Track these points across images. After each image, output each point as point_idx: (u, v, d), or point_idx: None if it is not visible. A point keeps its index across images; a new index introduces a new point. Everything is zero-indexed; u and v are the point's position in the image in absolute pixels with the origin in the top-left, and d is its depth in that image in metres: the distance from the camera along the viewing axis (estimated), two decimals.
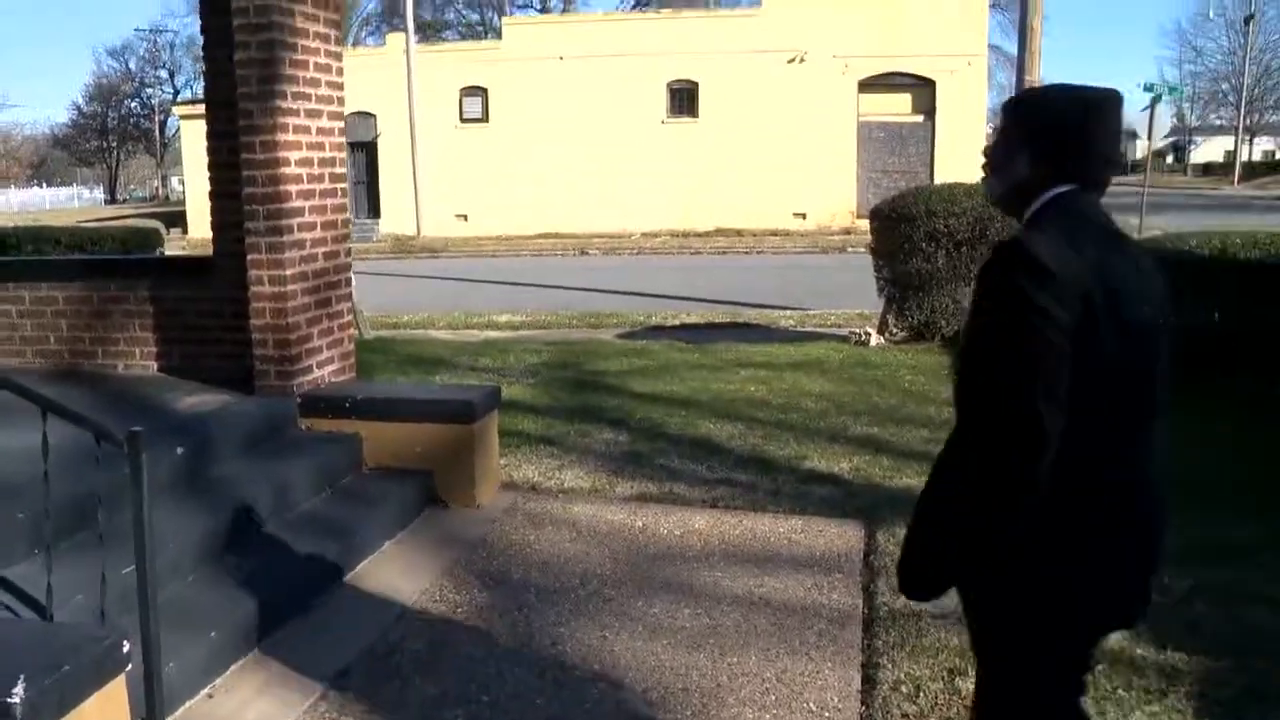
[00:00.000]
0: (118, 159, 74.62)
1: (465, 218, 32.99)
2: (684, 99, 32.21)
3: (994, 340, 2.25)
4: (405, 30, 33.15)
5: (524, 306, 15.43)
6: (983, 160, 2.53)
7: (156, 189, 71.88)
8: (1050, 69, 40.09)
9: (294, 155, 5.87)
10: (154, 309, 6.66)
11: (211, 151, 6.39)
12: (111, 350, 6.82)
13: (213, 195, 6.40)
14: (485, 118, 33.30)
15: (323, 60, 6.20)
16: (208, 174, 6.44)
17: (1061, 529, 2.26)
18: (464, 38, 52.94)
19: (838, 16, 30.66)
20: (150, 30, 69.40)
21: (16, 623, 3.48)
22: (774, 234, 30.00)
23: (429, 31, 51.45)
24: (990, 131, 26.71)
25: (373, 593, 4.74)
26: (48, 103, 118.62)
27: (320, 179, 6.12)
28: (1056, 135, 2.38)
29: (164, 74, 69.94)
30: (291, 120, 5.87)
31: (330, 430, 5.90)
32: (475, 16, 58.27)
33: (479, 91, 33.29)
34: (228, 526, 4.68)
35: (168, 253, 16.40)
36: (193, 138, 34.08)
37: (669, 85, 31.80)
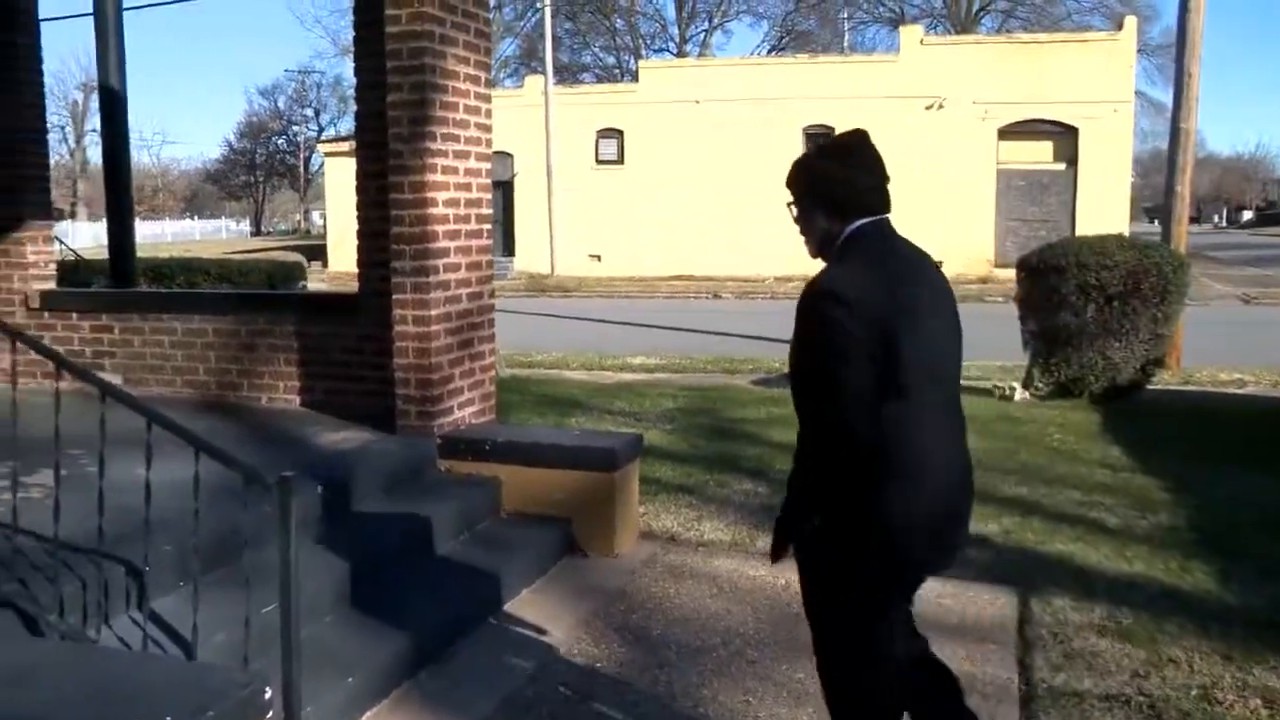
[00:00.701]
0: (263, 193, 77.38)
1: (598, 258, 33.22)
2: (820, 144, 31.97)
3: (810, 351, 2.85)
4: (544, 73, 33.72)
5: (657, 349, 15.36)
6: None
7: (298, 222, 74.30)
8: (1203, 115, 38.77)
9: (441, 196, 5.89)
10: (299, 344, 6.73)
11: (360, 191, 6.45)
12: (257, 384, 6.91)
13: (360, 234, 6.45)
14: (620, 159, 33.56)
15: (472, 102, 6.23)
16: (356, 213, 6.50)
17: (885, 493, 2.79)
18: (600, 80, 53.59)
19: (978, 63, 30.20)
20: (299, 71, 71.96)
21: (163, 662, 3.47)
22: None
23: (566, 74, 52.25)
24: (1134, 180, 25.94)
25: (511, 642, 4.65)
26: (202, 140, 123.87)
27: (466, 219, 6.13)
28: (827, 186, 2.95)
29: (310, 113, 72.36)
30: (440, 161, 5.89)
31: (469, 473, 5.87)
32: (611, 60, 58.92)
33: (615, 134, 33.59)
34: (366, 568, 4.64)
35: (309, 286, 16.79)
36: (335, 174, 35.10)
37: (804, 130, 31.62)
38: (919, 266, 3.00)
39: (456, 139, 6.04)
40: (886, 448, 2.78)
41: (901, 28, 35.57)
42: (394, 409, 5.98)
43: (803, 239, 3.06)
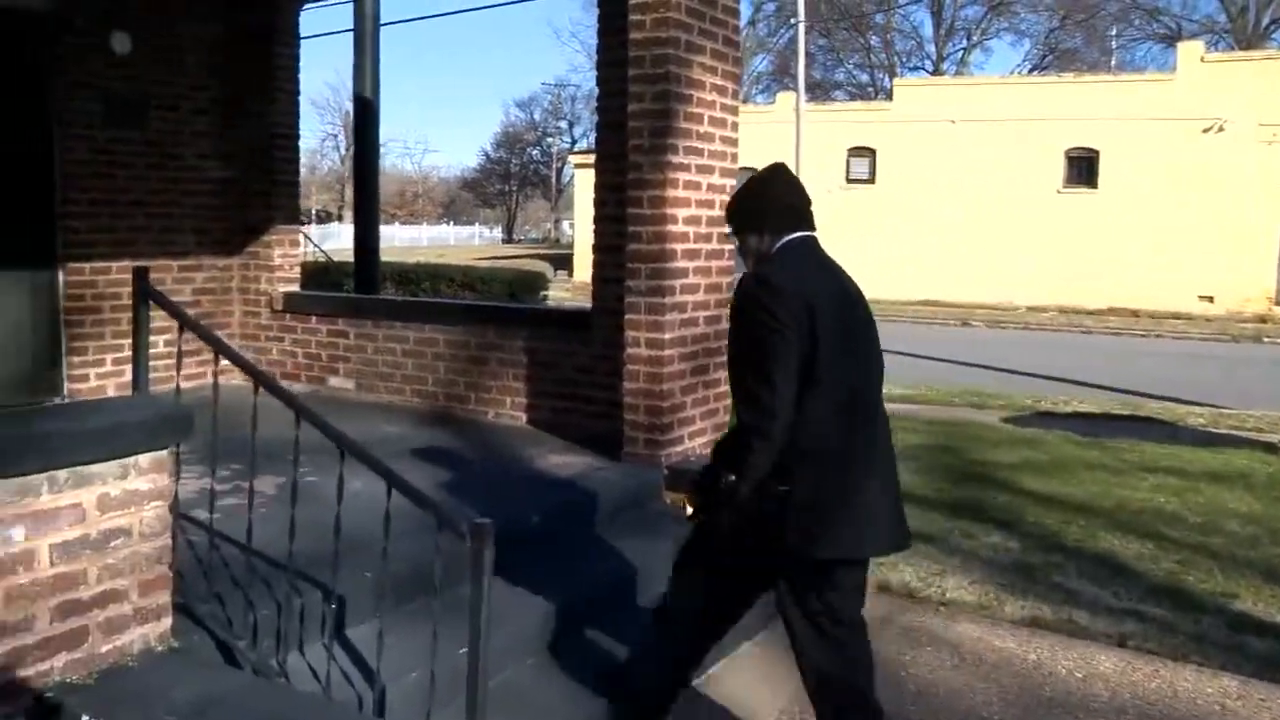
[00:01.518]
0: (516, 202, 79.79)
1: None
2: (1082, 168, 30.30)
3: (745, 334, 3.23)
4: (796, 90, 33.25)
5: (901, 376, 14.66)
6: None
7: (548, 231, 76.17)
8: None
9: (682, 213, 5.57)
10: (529, 360, 6.55)
11: (598, 204, 6.22)
12: (484, 397, 6.77)
13: (596, 248, 6.21)
14: (871, 179, 32.75)
15: (718, 114, 5.89)
16: (593, 226, 6.27)
17: (807, 471, 3.17)
18: (852, 98, 52.69)
19: (1265, 82, 27.92)
20: (555, 84, 74.02)
21: (344, 713, 3.24)
22: (1175, 317, 27.54)
23: (818, 91, 51.56)
24: None
25: (728, 702, 4.26)
26: (461, 149, 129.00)
27: (707, 238, 5.79)
28: (751, 213, 3.45)
29: (564, 124, 74.14)
30: (682, 175, 5.57)
31: None
32: (865, 77, 57.85)
33: (866, 152, 32.81)
34: (578, 606, 4.34)
35: (551, 294, 16.86)
36: (584, 185, 35.58)
37: (1066, 153, 30.02)
38: (838, 275, 3.43)
39: (700, 152, 5.71)
40: (794, 431, 3.14)
41: (1179, 44, 33.31)
42: (621, 434, 5.69)
43: (743, 260, 3.58)
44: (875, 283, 31.49)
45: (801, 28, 36.05)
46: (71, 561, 3.00)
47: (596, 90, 6.27)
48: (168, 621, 3.28)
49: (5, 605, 2.85)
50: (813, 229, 3.46)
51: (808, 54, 38.58)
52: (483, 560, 2.69)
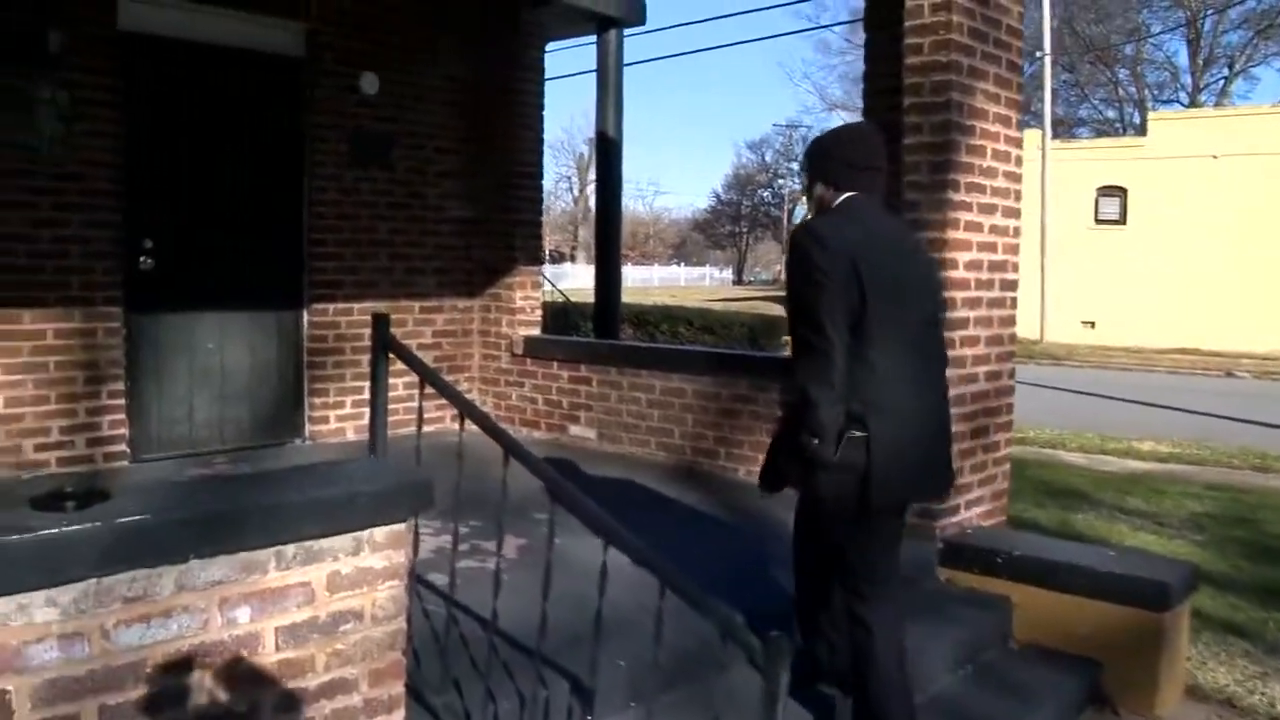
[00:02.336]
0: (746, 243, 79.62)
1: (1091, 325, 30.64)
2: None
3: (795, 285, 3.33)
4: (1041, 127, 31.74)
5: (1162, 432, 13.41)
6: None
7: (779, 273, 75.63)
8: None
9: (963, 257, 4.94)
10: (784, 415, 6.01)
11: None
12: (735, 453, 6.29)
13: None
14: (1122, 219, 30.84)
15: (1001, 147, 5.25)
16: None
17: (877, 420, 3.19)
18: (1099, 134, 50.18)
19: None
20: (786, 125, 73.02)
21: None
22: None
23: (1060, 128, 49.36)
24: None
25: None
26: (692, 190, 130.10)
27: (989, 285, 5.14)
28: (824, 164, 3.55)
29: (795, 166, 73.55)
30: (963, 215, 4.96)
31: (974, 588, 4.85)
32: (1112, 112, 55.08)
33: (1117, 191, 30.93)
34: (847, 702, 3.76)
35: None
36: None
37: None
38: (897, 232, 3.59)
39: (982, 189, 5.08)
40: (858, 382, 3.18)
41: None
42: None
43: (808, 206, 3.69)
44: (1127, 329, 29.76)
45: (1048, 61, 34.50)
46: (298, 647, 2.64)
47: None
48: (399, 716, 2.89)
49: (228, 693, 2.51)
50: (879, 192, 3.55)
51: (1051, 90, 36.89)
52: (778, 685, 2.17)
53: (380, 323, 3.78)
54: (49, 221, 5.98)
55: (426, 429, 6.97)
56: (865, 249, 3.26)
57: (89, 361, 6.14)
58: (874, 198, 3.51)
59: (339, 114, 7.03)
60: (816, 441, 3.16)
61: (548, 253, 61.75)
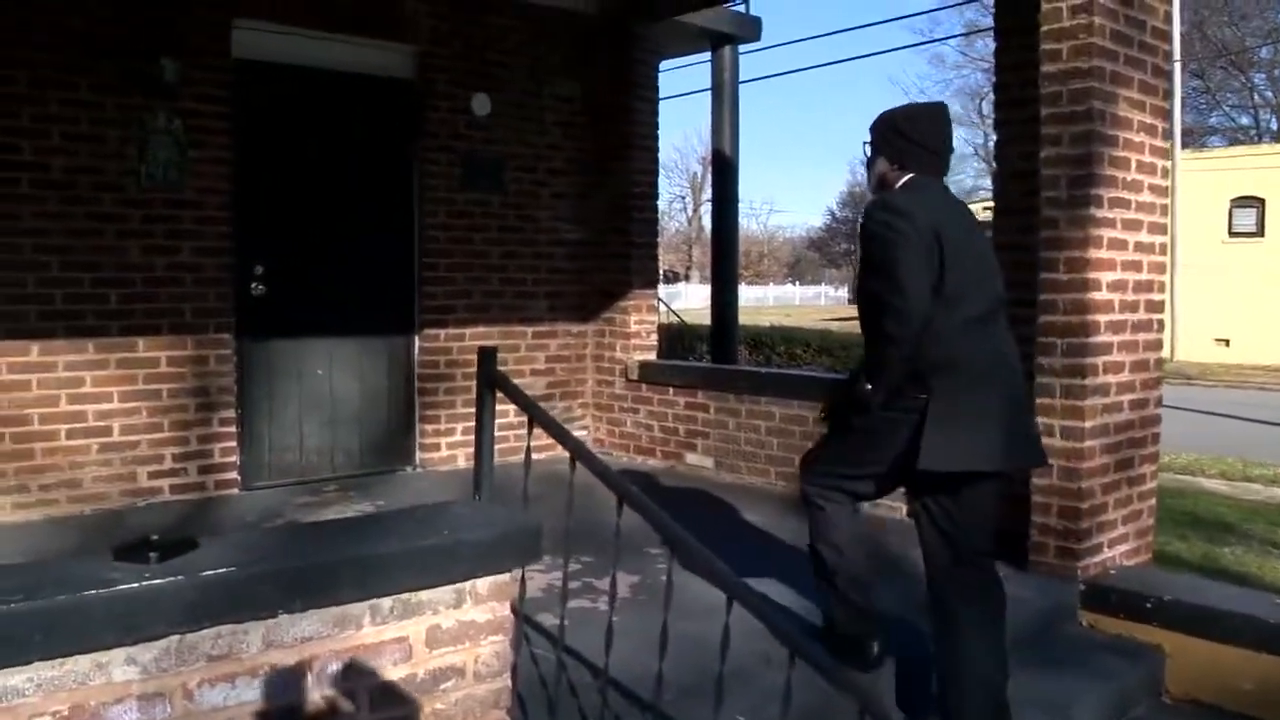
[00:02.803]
0: None
1: (1226, 342, 29.37)
2: None
3: (874, 255, 3.33)
4: (1170, 138, 30.62)
5: None
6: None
7: None
8: None
9: (1106, 277, 4.60)
10: None
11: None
12: None
13: None
14: (1259, 231, 29.53)
15: (1146, 158, 4.89)
16: None
17: (941, 383, 3.27)
18: (1232, 143, 48.34)
19: None
20: None
21: None
22: None
23: (1189, 137, 47.65)
24: None
25: None
26: (806, 208, 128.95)
27: (1133, 307, 4.78)
28: (892, 140, 3.56)
29: None
30: (1106, 233, 4.61)
31: (1119, 635, 4.48)
32: (1246, 119, 53.02)
33: (1254, 202, 29.65)
34: None
35: None
36: None
37: None
38: (965, 213, 3.58)
39: (1126, 204, 4.73)
40: (927, 344, 3.24)
41: None
42: (1025, 537, 4.75)
43: (868, 179, 3.69)
44: (1265, 347, 28.47)
45: (1178, 68, 33.31)
46: (395, 706, 2.46)
47: (996, 135, 5.42)
48: None
49: None
50: (942, 175, 3.61)
51: (1181, 97, 35.63)
52: None
53: (485, 357, 3.60)
54: (163, 249, 5.99)
55: (537, 456, 6.85)
56: (942, 221, 3.34)
57: (201, 388, 6.13)
58: (937, 181, 3.58)
59: (450, 136, 6.95)
60: (870, 388, 3.35)
61: (662, 273, 61.84)
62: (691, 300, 45.71)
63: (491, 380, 3.65)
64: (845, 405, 3.56)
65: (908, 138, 3.54)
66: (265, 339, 6.43)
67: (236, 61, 6.19)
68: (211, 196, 6.12)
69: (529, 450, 3.59)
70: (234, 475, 6.28)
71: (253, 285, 6.37)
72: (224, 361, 6.21)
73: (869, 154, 3.67)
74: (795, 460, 6.27)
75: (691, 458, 6.96)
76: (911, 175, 3.51)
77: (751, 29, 9.06)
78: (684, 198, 66.78)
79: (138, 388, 5.94)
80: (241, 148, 6.24)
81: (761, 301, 57.77)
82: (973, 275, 3.36)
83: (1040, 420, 4.60)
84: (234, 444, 6.27)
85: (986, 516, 3.46)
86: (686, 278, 59.41)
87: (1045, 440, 4.60)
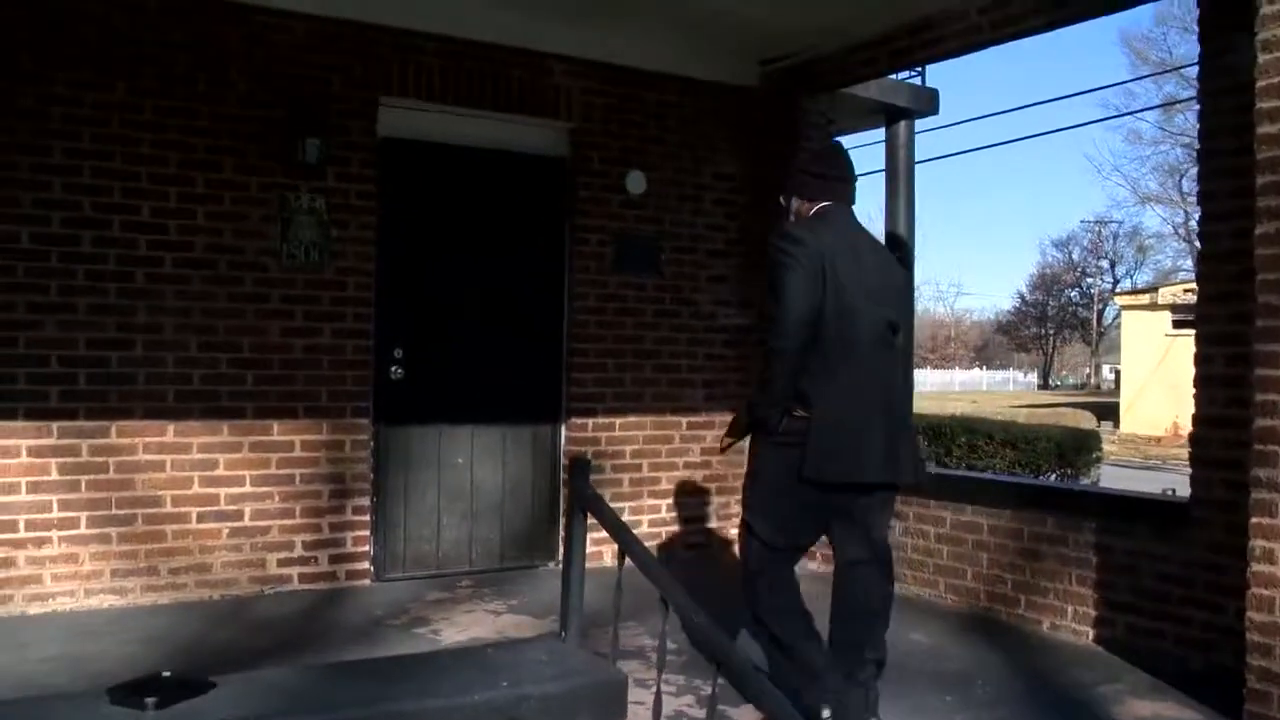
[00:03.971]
0: (1053, 346, 75.67)
1: None
2: None
3: (770, 274, 3.73)
4: None
5: None
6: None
7: (1087, 377, 71.35)
8: None
9: None
10: (1099, 560, 5.05)
11: (1201, 360, 4.71)
12: (1038, 603, 5.33)
13: (1198, 420, 4.69)
14: None
15: None
16: (1193, 389, 4.74)
17: (824, 401, 3.65)
18: None
19: None
20: (1095, 221, 69.07)
21: None
22: None
23: None
24: None
25: None
26: (995, 291, 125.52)
27: None
28: (800, 179, 4.01)
29: (1105, 264, 69.51)
30: None
31: None
32: None
33: None
34: None
35: (1106, 458, 14.65)
36: (1132, 328, 32.52)
37: None
38: (866, 240, 3.96)
39: None
40: (816, 364, 3.63)
41: None
42: (1236, 677, 4.01)
43: (784, 219, 4.06)
44: None
45: None
46: None
47: (1199, 210, 4.78)
48: None
49: None
50: (847, 202, 3.97)
51: None
52: None
53: (578, 471, 3.19)
54: (301, 330, 5.85)
55: (686, 554, 6.31)
56: (835, 250, 3.70)
57: (335, 475, 5.93)
58: (844, 208, 3.96)
59: (603, 215, 6.65)
60: (761, 400, 3.77)
61: None
62: None
63: (584, 500, 3.23)
64: (748, 426, 3.94)
65: (811, 173, 3.99)
66: (403, 424, 6.20)
67: (382, 140, 6.06)
68: (353, 277, 5.97)
69: (620, 583, 3.28)
70: (366, 565, 6.04)
71: (392, 369, 6.15)
72: (360, 447, 6.00)
73: (784, 202, 4.07)
74: (968, 572, 5.67)
75: None
76: (820, 205, 3.92)
77: (928, 102, 8.54)
78: None
79: (270, 472, 5.78)
80: (385, 227, 6.09)
81: (947, 386, 55.99)
82: (862, 301, 3.71)
83: (1259, 543, 3.90)
84: (367, 533, 6.04)
85: (868, 526, 3.87)
86: None
87: (1260, 568, 3.91)
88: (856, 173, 4.10)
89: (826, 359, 3.63)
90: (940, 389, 50.45)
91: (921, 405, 15.69)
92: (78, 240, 5.34)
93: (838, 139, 4.29)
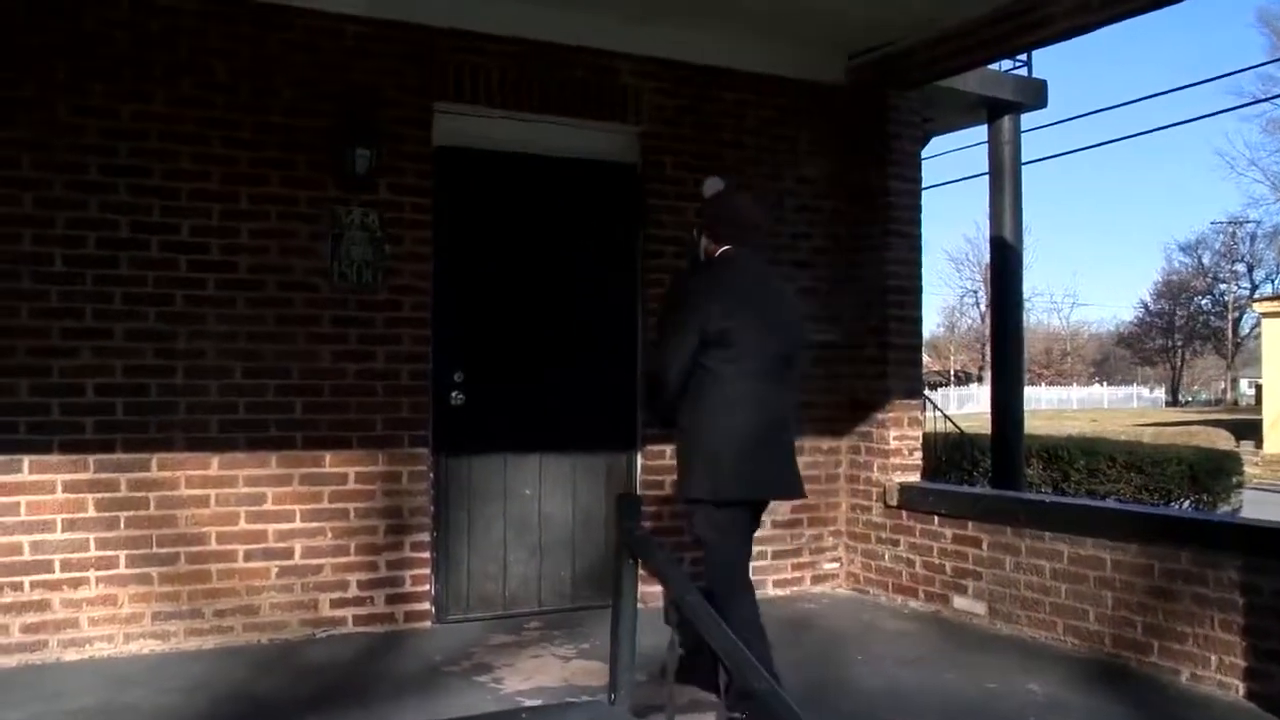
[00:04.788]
0: (1182, 358, 73.26)
1: None
2: None
3: (669, 303, 4.58)
4: None
5: None
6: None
7: (1222, 391, 68.91)
8: None
9: None
10: (1245, 601, 4.63)
11: None
12: (1174, 649, 4.90)
13: None
14: None
15: None
16: None
17: (713, 424, 4.20)
18: None
19: None
20: (1228, 223, 66.81)
21: None
22: None
23: None
24: None
25: None
26: (1114, 301, 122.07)
27: None
28: (710, 222, 4.47)
29: (1240, 268, 67.13)
30: None
31: None
32: None
33: None
34: None
35: (1248, 482, 13.84)
36: (1274, 336, 31.20)
37: None
38: (768, 279, 4.54)
39: None
40: (702, 394, 4.18)
41: None
42: None
43: (692, 254, 4.57)
44: None
45: None
46: None
47: None
48: None
49: None
50: (756, 244, 4.53)
51: None
52: None
53: (626, 509, 2.89)
54: (354, 354, 5.66)
55: (781, 591, 6.59)
56: (737, 291, 4.26)
57: (392, 508, 5.71)
58: (747, 252, 4.41)
59: (678, 226, 6.32)
60: (654, 398, 4.38)
61: (953, 374, 59.35)
62: (985, 403, 43.56)
63: (631, 541, 2.98)
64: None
65: (720, 218, 4.43)
66: (465, 454, 5.97)
67: (438, 149, 5.87)
68: (409, 296, 5.77)
69: (674, 640, 2.99)
70: (426, 606, 5.80)
71: (452, 395, 5.93)
72: (418, 479, 5.78)
73: (695, 235, 4.54)
74: (1090, 613, 5.25)
75: (960, 601, 5.99)
76: (726, 248, 4.38)
77: (1035, 94, 8.13)
78: (976, 292, 63.95)
79: (322, 506, 5.58)
80: (442, 242, 5.88)
81: (1065, 404, 54.30)
82: (756, 335, 4.21)
83: None
84: (427, 571, 5.81)
85: (745, 539, 4.41)
86: (980, 379, 56.65)
87: None
88: (767, 220, 5.00)
89: (722, 383, 4.16)
90: (1056, 407, 48.86)
91: (1034, 425, 15.12)
92: (115, 262, 5.21)
93: (754, 192, 4.99)
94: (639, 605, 5.77)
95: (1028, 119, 8.53)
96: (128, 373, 5.23)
